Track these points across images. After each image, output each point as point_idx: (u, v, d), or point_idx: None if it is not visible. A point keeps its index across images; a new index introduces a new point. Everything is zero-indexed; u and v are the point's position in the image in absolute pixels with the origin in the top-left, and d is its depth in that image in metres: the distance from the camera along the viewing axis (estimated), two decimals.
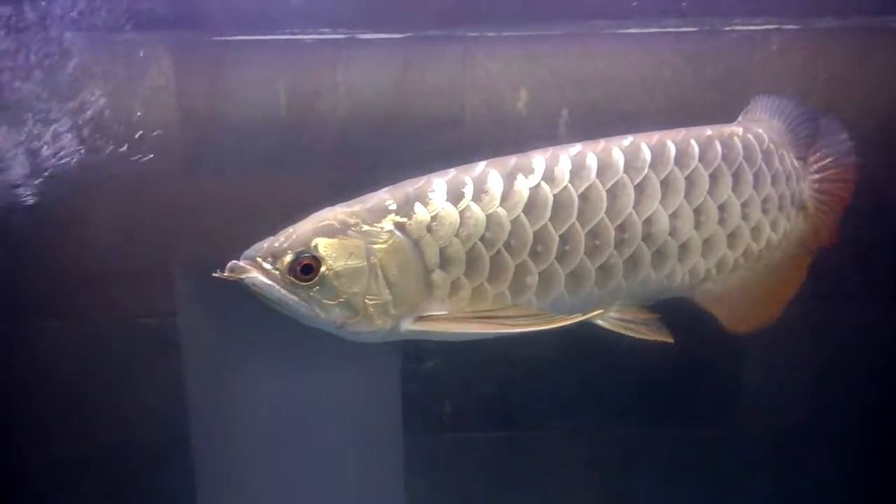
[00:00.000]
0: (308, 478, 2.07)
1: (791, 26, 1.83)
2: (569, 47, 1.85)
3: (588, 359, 1.95)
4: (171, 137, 1.83)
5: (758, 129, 1.39)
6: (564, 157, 1.28)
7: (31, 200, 1.75)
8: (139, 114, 1.77)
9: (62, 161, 1.73)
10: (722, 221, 1.31)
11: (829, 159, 1.46)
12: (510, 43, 1.85)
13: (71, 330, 1.99)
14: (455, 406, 2.07)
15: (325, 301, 1.23)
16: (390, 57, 1.85)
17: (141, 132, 1.77)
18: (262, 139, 1.87)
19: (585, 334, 1.36)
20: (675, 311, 1.43)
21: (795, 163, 1.42)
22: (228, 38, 1.84)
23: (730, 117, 1.52)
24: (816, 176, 1.45)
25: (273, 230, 1.33)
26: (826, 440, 2.09)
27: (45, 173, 1.73)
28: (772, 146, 1.38)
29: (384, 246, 1.23)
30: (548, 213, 1.25)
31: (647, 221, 1.28)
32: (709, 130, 1.34)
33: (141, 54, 1.77)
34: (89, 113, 1.73)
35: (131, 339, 1.98)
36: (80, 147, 1.73)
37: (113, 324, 1.98)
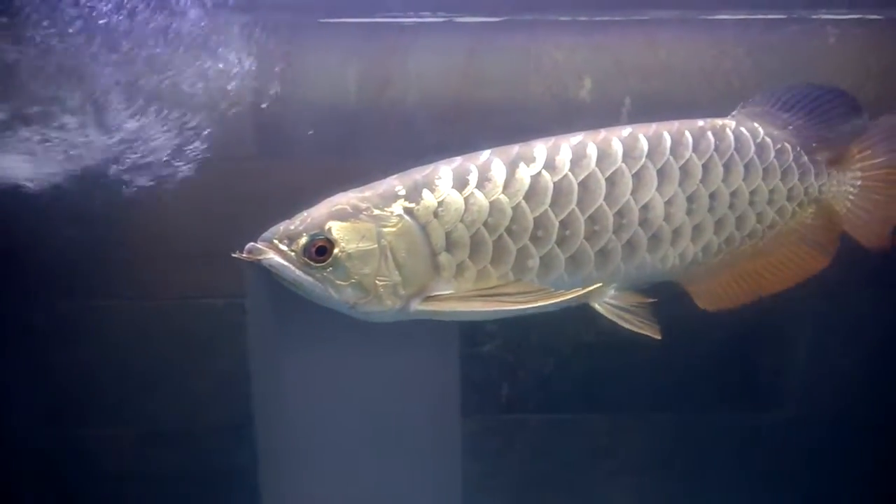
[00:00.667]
0: (367, 458, 2.16)
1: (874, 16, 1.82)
2: (633, 35, 1.87)
3: (645, 342, 2.03)
4: (246, 119, 1.88)
5: (753, 122, 1.43)
6: (565, 147, 1.35)
7: (115, 185, 1.79)
8: (214, 95, 1.80)
9: (149, 146, 1.78)
10: (711, 209, 1.38)
11: (880, 159, 1.44)
12: (575, 30, 1.88)
13: (140, 309, 2.06)
14: (512, 388, 2.13)
15: (338, 281, 1.30)
16: (458, 43, 1.89)
17: (221, 114, 1.81)
18: (334, 123, 1.92)
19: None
20: None
21: (805, 158, 1.42)
22: (330, 21, 1.88)
23: None
24: (858, 174, 1.44)
25: None
26: None
27: (128, 160, 1.78)
28: (767, 140, 1.42)
29: (394, 229, 1.30)
30: (548, 200, 1.32)
31: (644, 208, 1.35)
32: (701, 122, 1.40)
33: (232, 34, 1.79)
34: (169, 97, 1.77)
35: (198, 319, 2.06)
36: (165, 131, 1.78)
37: (180, 304, 2.06)
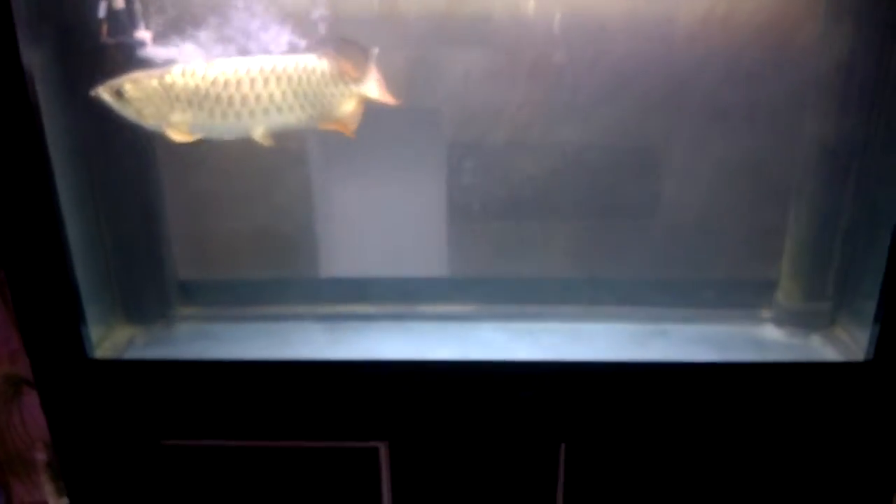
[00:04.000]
0: None
1: None
2: None
3: None
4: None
5: (324, 56, 2.56)
6: (228, 62, 2.49)
7: None
8: None
9: None
10: (289, 103, 2.65)
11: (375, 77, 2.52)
12: None
13: None
14: None
15: (128, 109, 2.77)
16: None
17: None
18: None
19: None
20: None
21: (352, 74, 2.57)
22: None
23: None
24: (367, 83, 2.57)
25: None
26: None
27: None
28: (331, 65, 2.57)
29: (156, 86, 2.78)
30: (220, 85, 2.75)
31: (258, 96, 2.70)
32: (293, 56, 2.55)
33: None
34: None
35: None
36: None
37: None
